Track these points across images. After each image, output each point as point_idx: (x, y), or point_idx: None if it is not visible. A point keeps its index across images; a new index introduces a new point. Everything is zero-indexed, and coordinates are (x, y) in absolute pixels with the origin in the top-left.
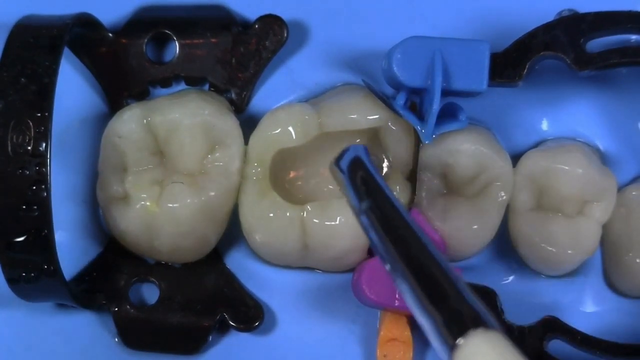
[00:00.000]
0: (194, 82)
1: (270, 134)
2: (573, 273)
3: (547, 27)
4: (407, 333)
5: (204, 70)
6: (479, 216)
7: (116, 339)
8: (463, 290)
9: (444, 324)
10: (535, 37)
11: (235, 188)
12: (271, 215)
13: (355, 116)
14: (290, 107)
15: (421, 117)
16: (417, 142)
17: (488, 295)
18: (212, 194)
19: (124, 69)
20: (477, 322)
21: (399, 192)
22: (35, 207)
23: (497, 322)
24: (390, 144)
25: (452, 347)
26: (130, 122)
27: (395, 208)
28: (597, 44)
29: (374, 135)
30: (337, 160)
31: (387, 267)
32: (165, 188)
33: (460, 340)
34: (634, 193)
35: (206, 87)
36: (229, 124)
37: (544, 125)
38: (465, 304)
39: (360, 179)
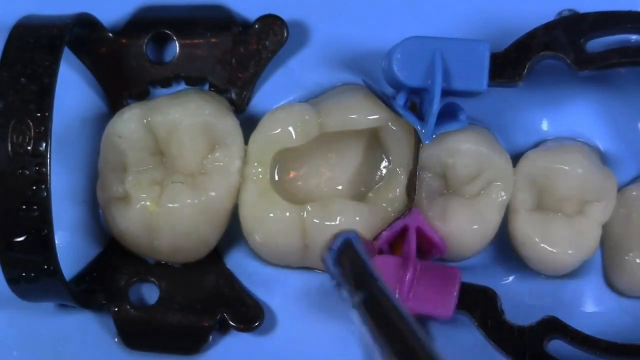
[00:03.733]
0: (194, 82)
1: (270, 134)
2: (573, 273)
3: (547, 27)
4: None
5: (204, 70)
6: (479, 216)
7: (116, 339)
8: None
9: None
10: (535, 37)
11: (235, 188)
12: (271, 215)
13: (355, 116)
14: (290, 107)
15: (421, 117)
16: (417, 142)
17: (488, 295)
18: (212, 194)
19: (124, 69)
20: None
21: (398, 194)
22: (35, 207)
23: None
24: (390, 144)
25: None
26: (130, 122)
27: (389, 302)
28: (597, 44)
29: (374, 135)
30: (328, 248)
31: None
32: (165, 188)
33: None
34: (634, 193)
35: (206, 87)
36: (229, 124)
37: (544, 125)
38: None
39: (352, 268)
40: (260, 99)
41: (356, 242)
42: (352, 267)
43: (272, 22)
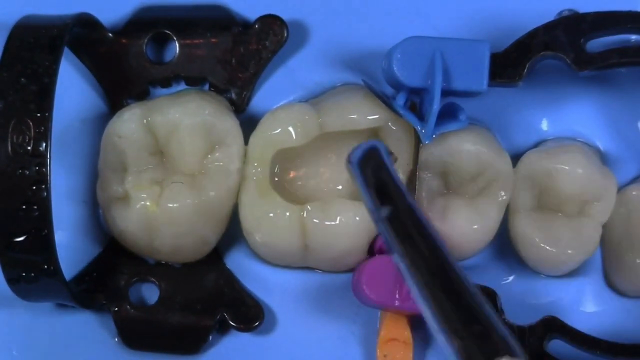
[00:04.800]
0: (194, 82)
1: (270, 134)
2: (573, 273)
3: (547, 27)
4: (407, 333)
5: (204, 70)
6: (479, 216)
7: (116, 339)
8: (489, 314)
9: (466, 349)
10: (535, 37)
11: (235, 188)
12: (271, 215)
13: (355, 116)
14: (290, 107)
15: (421, 117)
16: (417, 142)
17: (488, 295)
18: (212, 194)
19: (124, 69)
20: (503, 350)
21: None
22: (35, 207)
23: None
24: (390, 144)
25: None
26: (130, 122)
27: (416, 217)
28: (597, 44)
29: (374, 135)
30: (350, 157)
31: (408, 282)
32: (165, 188)
33: None
34: (634, 193)
35: (206, 87)
36: (229, 124)
37: (544, 125)
38: (491, 329)
39: (376, 179)
40: (260, 99)
41: (382, 151)
42: (376, 179)
43: (272, 22)
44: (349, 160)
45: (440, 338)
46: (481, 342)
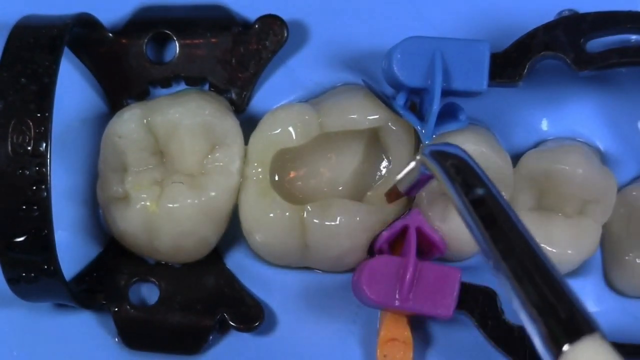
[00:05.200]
0: (194, 82)
1: (270, 134)
2: (573, 273)
3: (547, 27)
4: (407, 333)
5: (204, 70)
6: None
7: (116, 339)
8: (572, 296)
9: (550, 329)
10: (535, 37)
11: (235, 188)
12: (271, 215)
13: (355, 116)
14: (290, 107)
15: (421, 117)
16: (417, 142)
17: (488, 295)
18: (212, 194)
19: (124, 69)
20: (586, 330)
21: None
22: (35, 207)
23: (600, 327)
24: (390, 144)
25: (557, 354)
26: (130, 122)
27: (501, 204)
28: (597, 44)
29: (374, 135)
30: (422, 150)
31: (491, 264)
32: (165, 188)
33: (566, 347)
34: (634, 193)
35: (206, 87)
36: (229, 124)
37: (544, 125)
38: (575, 310)
39: (458, 169)
40: (260, 99)
41: (460, 149)
42: (458, 168)
43: (272, 22)
44: (422, 153)
45: (524, 317)
46: (564, 322)
